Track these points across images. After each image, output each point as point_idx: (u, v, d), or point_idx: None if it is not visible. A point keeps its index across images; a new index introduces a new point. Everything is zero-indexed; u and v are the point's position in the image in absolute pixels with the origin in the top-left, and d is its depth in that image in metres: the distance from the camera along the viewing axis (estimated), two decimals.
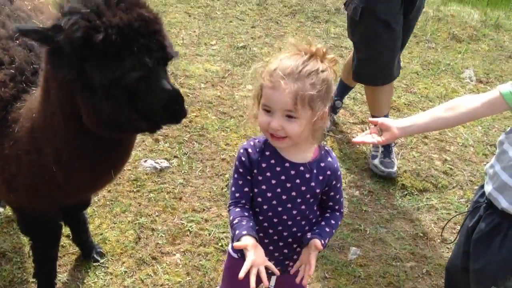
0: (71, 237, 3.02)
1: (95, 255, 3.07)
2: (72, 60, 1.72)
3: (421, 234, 3.53)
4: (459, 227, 3.16)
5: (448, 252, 3.38)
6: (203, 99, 4.68)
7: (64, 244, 3.14)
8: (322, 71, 1.82)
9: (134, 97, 1.76)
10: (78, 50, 1.70)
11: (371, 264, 3.24)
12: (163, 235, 3.31)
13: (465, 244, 2.36)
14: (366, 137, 2.25)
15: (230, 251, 2.21)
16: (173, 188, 3.69)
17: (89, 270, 3.05)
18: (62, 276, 2.98)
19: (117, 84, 1.71)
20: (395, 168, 3.94)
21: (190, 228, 3.38)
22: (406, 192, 3.91)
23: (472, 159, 4.34)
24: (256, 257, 1.78)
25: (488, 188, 2.18)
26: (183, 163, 3.93)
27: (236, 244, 1.83)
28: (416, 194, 3.89)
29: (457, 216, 3.37)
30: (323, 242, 1.95)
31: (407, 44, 6.26)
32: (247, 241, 1.81)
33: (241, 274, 1.73)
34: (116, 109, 1.76)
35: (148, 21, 1.74)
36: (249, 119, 1.99)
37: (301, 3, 6.94)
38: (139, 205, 3.52)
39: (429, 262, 3.31)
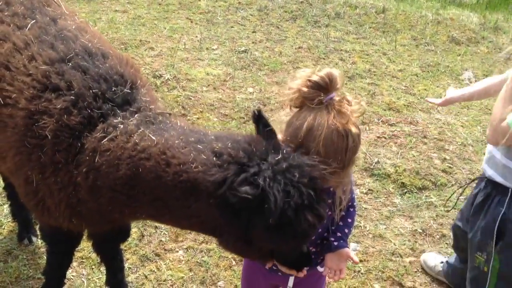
0: (105, 279, 2.92)
1: None
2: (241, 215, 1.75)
3: (420, 231, 3.57)
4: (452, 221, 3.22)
5: (447, 248, 3.42)
6: (205, 102, 4.76)
7: None
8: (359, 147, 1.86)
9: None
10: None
11: (370, 259, 3.28)
12: (166, 233, 3.37)
13: (468, 212, 2.58)
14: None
15: None
16: None
17: (93, 267, 3.11)
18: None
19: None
20: None
21: None
22: (405, 190, 3.95)
23: (471, 157, 4.38)
24: None
25: (483, 163, 2.46)
26: None
27: None
28: (416, 192, 3.94)
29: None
30: (348, 247, 2.03)
31: (406, 47, 6.40)
32: None
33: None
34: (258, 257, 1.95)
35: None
36: None
37: (301, 8, 7.03)
38: None
39: None
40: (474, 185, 2.61)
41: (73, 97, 2.09)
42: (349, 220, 2.09)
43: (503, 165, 2.28)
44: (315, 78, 1.78)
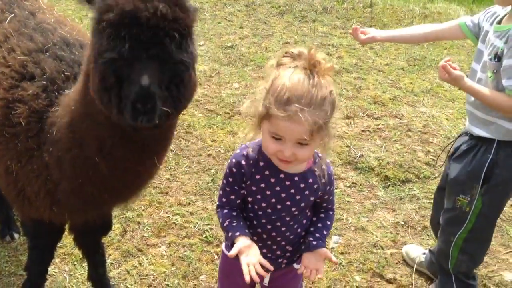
0: (87, 274, 2.89)
1: None
2: (95, 32, 1.71)
3: (402, 223, 3.60)
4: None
5: (428, 239, 3.45)
6: None
7: None
8: (330, 92, 1.75)
9: (119, 82, 1.68)
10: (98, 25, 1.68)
11: (352, 252, 3.31)
12: (148, 228, 3.38)
13: (447, 166, 2.85)
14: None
15: (224, 250, 2.25)
16: (159, 183, 3.77)
17: (76, 263, 3.11)
18: (49, 268, 3.04)
19: (100, 59, 1.66)
20: None
21: (175, 221, 3.45)
22: (389, 183, 3.98)
23: None
24: (250, 257, 1.83)
25: (466, 123, 2.73)
26: (170, 159, 4.00)
27: (231, 253, 1.86)
28: (399, 185, 3.96)
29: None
30: (325, 247, 2.04)
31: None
32: (240, 244, 1.87)
33: (246, 278, 1.78)
34: (100, 85, 1.70)
35: (159, 17, 1.61)
36: (248, 133, 1.88)
37: (289, 4, 7.04)
38: None
39: None
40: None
41: (44, 82, 2.13)
42: (328, 223, 2.11)
43: (488, 122, 2.56)
44: (292, 50, 1.81)
